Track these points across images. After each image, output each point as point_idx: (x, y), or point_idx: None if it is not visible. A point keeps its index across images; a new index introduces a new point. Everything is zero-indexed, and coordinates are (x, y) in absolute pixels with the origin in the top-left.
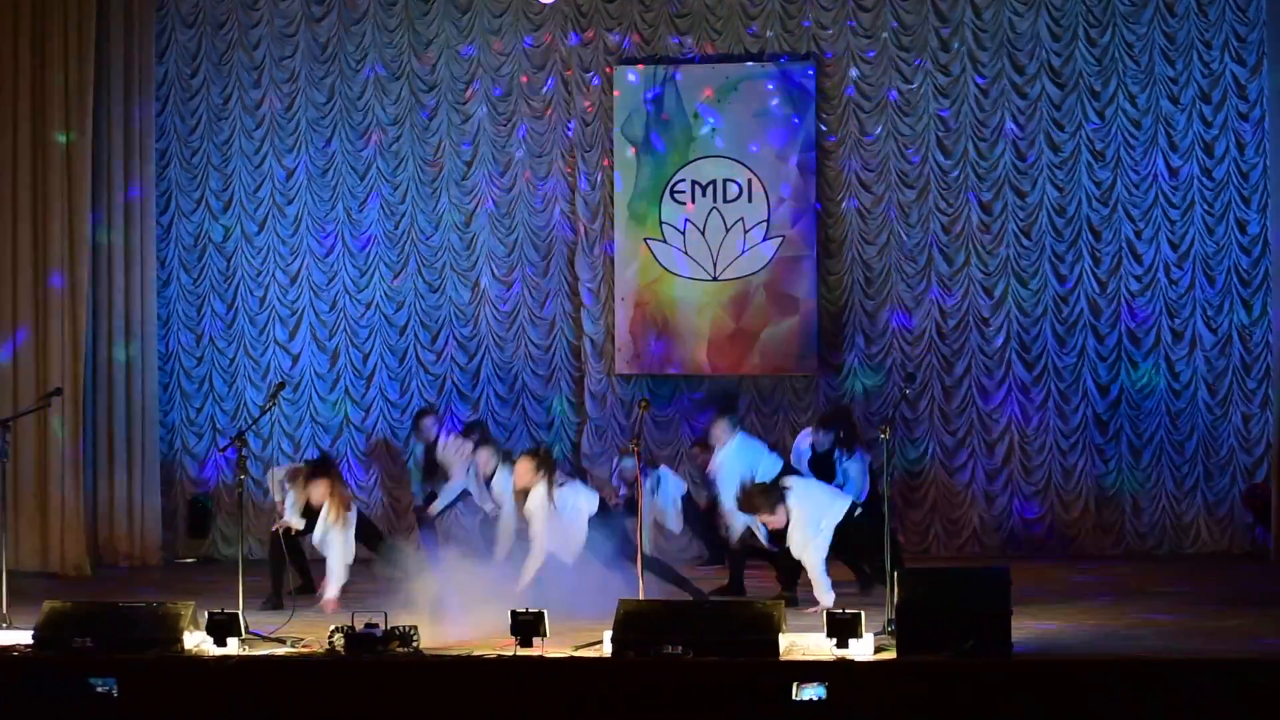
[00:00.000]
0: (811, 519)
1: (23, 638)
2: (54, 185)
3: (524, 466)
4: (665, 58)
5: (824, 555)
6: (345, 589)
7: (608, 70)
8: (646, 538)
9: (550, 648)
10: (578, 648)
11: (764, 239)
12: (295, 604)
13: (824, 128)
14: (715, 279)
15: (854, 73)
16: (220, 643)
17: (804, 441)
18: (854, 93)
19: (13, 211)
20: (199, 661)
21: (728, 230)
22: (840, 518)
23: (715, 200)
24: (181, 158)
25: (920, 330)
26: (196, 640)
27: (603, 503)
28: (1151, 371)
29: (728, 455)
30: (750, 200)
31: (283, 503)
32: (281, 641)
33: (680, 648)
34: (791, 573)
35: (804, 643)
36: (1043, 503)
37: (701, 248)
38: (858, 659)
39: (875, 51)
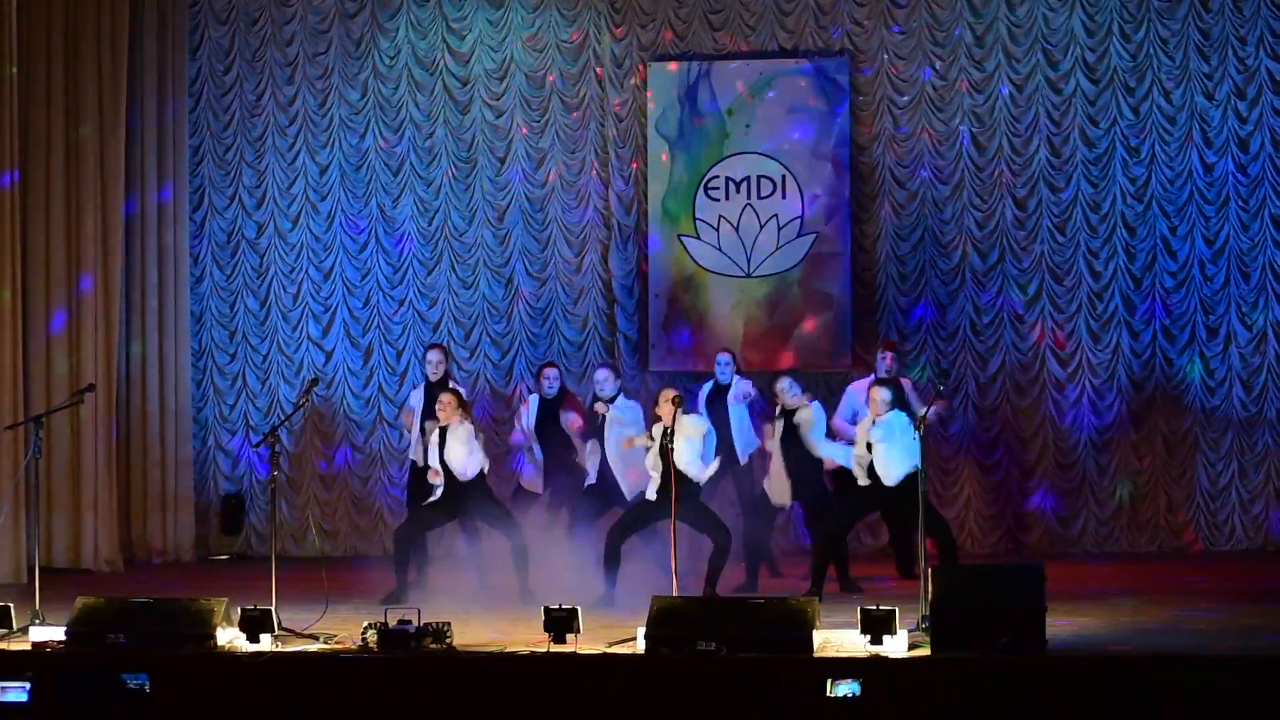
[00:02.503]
0: None
1: (56, 634)
2: (87, 182)
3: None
4: (699, 54)
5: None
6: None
7: (641, 66)
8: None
9: (584, 644)
10: (611, 644)
11: (798, 235)
12: (329, 600)
13: (858, 124)
14: (749, 275)
15: (887, 69)
16: (253, 639)
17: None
18: (888, 88)
19: (46, 208)
20: (232, 658)
21: (761, 227)
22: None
23: (749, 197)
24: (215, 154)
25: (954, 326)
26: (229, 636)
27: None
28: None
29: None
30: (784, 196)
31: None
32: (314, 638)
33: (714, 644)
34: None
35: (838, 639)
36: (1077, 499)
37: (735, 244)
38: (892, 656)
39: (909, 47)
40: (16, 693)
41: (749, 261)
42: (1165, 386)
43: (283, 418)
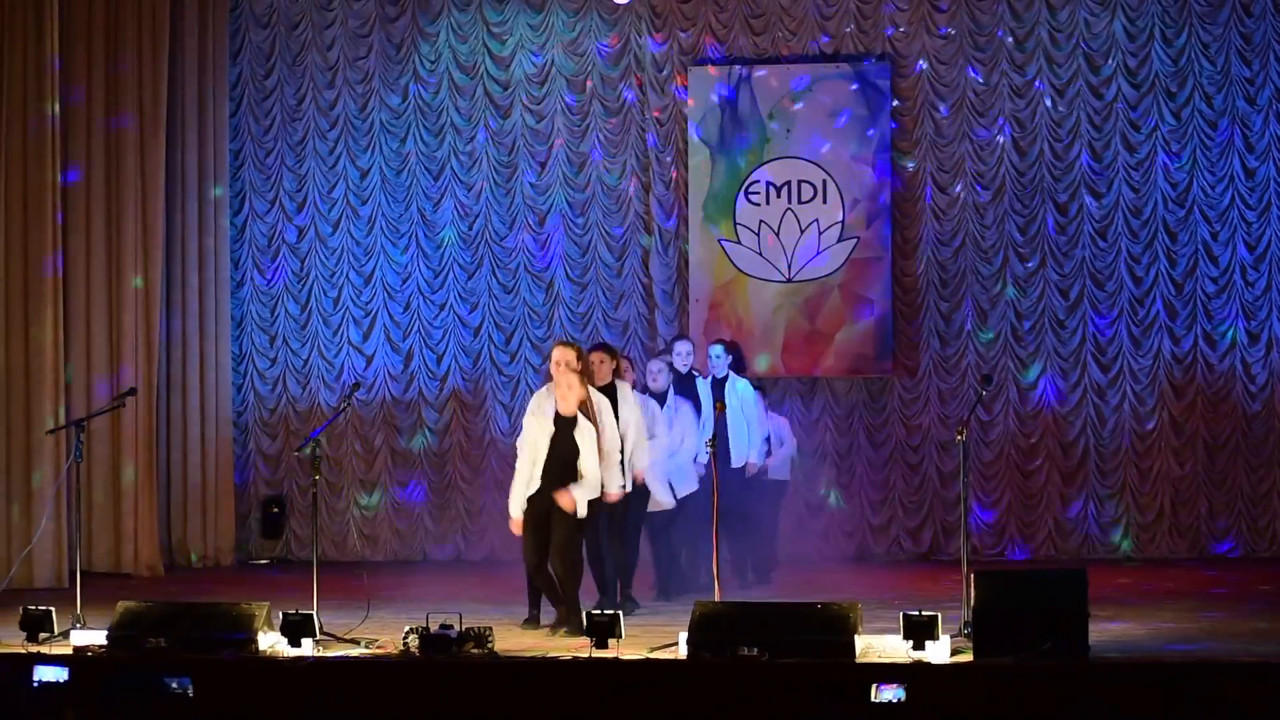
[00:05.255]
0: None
1: (97, 638)
2: (128, 186)
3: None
4: (740, 59)
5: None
6: None
7: (682, 71)
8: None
9: (625, 649)
10: (653, 649)
11: (839, 240)
12: (370, 604)
13: (899, 128)
14: (790, 280)
15: (929, 73)
16: (295, 643)
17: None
18: (929, 93)
19: (87, 213)
20: (273, 662)
21: (802, 231)
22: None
23: (790, 201)
24: (255, 158)
25: (996, 332)
26: (271, 641)
27: None
28: None
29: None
30: (825, 201)
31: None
32: (356, 642)
33: (756, 649)
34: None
35: (880, 645)
36: (1118, 505)
37: (776, 249)
38: (934, 661)
39: (950, 52)
40: (56, 670)
41: (790, 266)
42: (1206, 392)
43: (323, 423)
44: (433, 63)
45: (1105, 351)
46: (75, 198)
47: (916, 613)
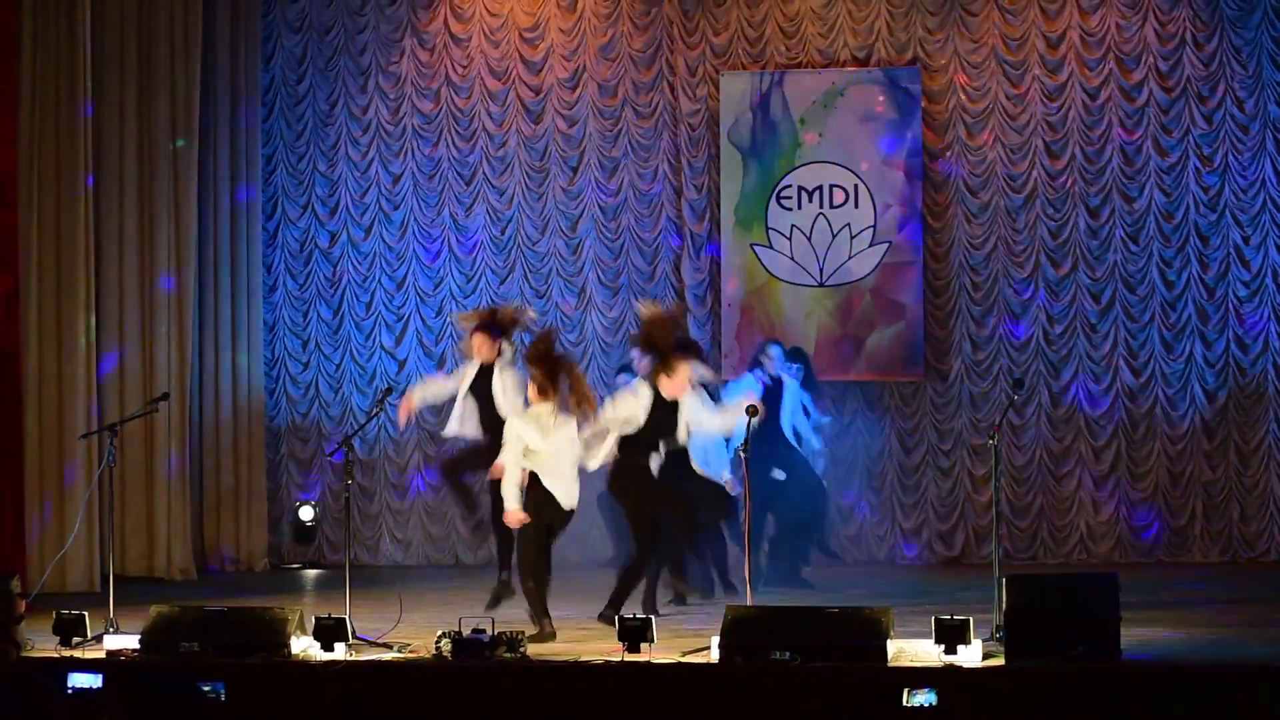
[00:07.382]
0: None
1: (130, 642)
2: (160, 191)
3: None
4: (772, 63)
5: None
6: None
7: (714, 75)
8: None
9: (657, 654)
10: (685, 653)
11: (870, 244)
12: (404, 608)
13: (930, 132)
14: (821, 285)
15: (960, 78)
16: (327, 647)
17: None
18: (960, 98)
19: (119, 217)
20: (306, 666)
21: (834, 236)
22: None
23: (822, 206)
24: (288, 163)
25: (1027, 336)
26: (304, 645)
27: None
28: None
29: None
30: (857, 206)
31: None
32: (388, 647)
33: (788, 654)
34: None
35: (912, 649)
36: (1150, 509)
37: (808, 253)
38: (966, 665)
39: (982, 56)
40: (90, 677)
41: (821, 271)
42: (1238, 396)
43: (356, 427)
44: (464, 67)
45: (1137, 355)
46: (108, 203)
47: (948, 617)
